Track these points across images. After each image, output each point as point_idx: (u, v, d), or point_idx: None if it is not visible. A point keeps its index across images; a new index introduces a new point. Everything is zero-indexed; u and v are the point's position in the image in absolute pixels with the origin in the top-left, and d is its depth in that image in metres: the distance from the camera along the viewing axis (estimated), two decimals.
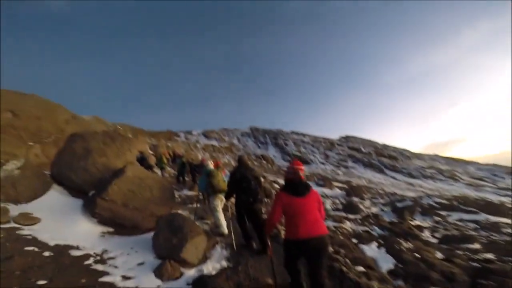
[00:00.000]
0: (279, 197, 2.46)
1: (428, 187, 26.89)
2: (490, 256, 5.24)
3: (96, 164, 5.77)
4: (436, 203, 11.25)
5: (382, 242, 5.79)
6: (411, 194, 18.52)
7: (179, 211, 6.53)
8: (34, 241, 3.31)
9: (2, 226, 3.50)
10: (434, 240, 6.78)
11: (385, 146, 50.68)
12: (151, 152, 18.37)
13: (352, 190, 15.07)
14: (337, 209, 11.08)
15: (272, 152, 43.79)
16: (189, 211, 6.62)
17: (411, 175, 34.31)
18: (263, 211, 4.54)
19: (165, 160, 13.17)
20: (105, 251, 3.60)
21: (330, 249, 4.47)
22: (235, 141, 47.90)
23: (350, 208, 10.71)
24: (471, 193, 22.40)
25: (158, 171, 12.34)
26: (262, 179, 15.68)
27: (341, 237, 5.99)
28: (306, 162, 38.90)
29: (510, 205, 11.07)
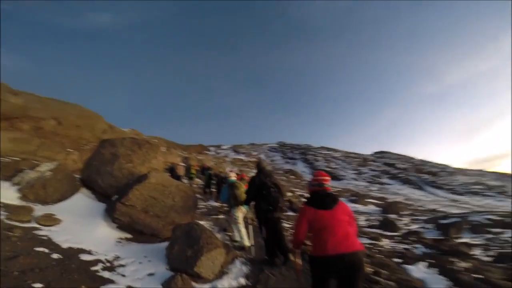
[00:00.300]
0: (304, 211, 2.24)
1: (476, 204, 24.29)
2: None
3: (121, 170, 5.78)
4: (487, 219, 9.77)
5: (431, 261, 4.92)
6: (455, 211, 16.46)
7: (201, 221, 6.25)
8: (48, 242, 3.19)
9: (22, 225, 3.47)
10: (487, 259, 5.73)
11: (424, 162, 47.86)
12: (182, 164, 18.92)
13: (388, 207, 13.77)
14: (372, 226, 10.04)
15: (300, 168, 42.49)
16: (213, 222, 6.29)
17: (455, 192, 31.93)
18: (282, 220, 4.28)
19: (193, 171, 13.49)
20: (117, 257, 3.34)
21: (369, 269, 3.90)
22: (263, 156, 47.65)
23: (386, 225, 9.80)
24: None
25: (186, 181, 12.56)
26: (290, 193, 14.87)
27: (380, 256, 5.18)
28: (337, 178, 37.43)
29: None
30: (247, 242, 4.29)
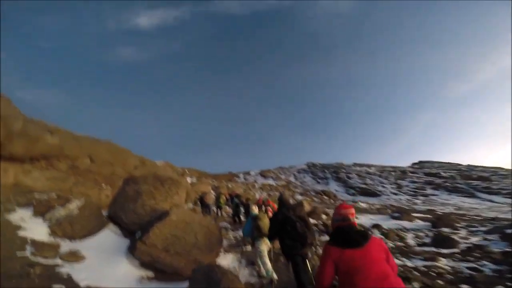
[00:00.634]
0: (327, 252, 1.90)
1: None
2: None
3: (144, 206, 5.79)
4: None
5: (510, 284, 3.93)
6: None
7: (229, 253, 5.83)
8: (67, 280, 3.10)
9: (45, 261, 3.45)
10: None
11: (471, 167, 43.36)
12: (212, 192, 19.02)
13: (438, 220, 11.89)
14: (423, 244, 8.51)
15: (333, 187, 40.21)
16: (240, 255, 5.85)
17: None
18: (310, 256, 3.96)
19: (222, 200, 13.30)
20: None
21: None
22: (292, 179, 46.29)
23: (441, 241, 8.34)
24: None
25: (215, 209, 12.44)
26: (325, 216, 13.69)
27: (441, 282, 4.31)
28: (374, 194, 34.64)
29: None
30: (274, 275, 3.89)
